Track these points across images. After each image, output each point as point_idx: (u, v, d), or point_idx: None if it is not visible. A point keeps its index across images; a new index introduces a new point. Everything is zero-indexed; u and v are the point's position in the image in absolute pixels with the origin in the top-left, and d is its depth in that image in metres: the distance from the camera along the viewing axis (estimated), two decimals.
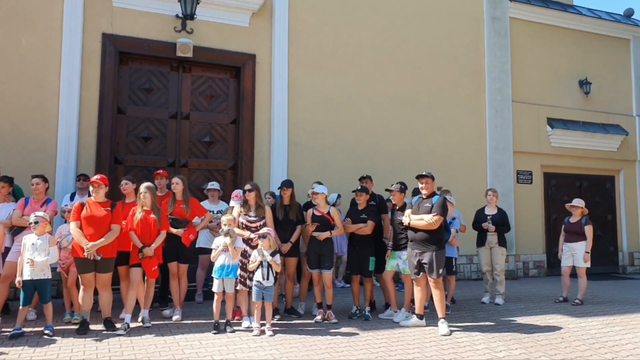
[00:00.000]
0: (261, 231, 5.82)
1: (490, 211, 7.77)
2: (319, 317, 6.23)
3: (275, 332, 5.60)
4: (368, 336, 5.61)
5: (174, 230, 6.11)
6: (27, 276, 5.30)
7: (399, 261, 6.34)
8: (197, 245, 7.00)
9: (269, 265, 5.67)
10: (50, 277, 5.45)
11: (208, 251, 7.14)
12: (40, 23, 7.51)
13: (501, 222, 7.65)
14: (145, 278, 5.93)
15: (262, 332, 5.58)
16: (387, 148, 9.56)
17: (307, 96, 9.05)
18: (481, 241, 7.75)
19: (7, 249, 5.88)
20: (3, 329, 5.44)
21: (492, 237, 7.63)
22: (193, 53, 8.16)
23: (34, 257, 5.28)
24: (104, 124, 7.75)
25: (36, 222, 5.34)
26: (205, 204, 7.16)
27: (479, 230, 7.73)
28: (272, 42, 8.87)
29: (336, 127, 9.21)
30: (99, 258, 5.45)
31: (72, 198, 6.66)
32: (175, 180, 6.45)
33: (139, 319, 5.88)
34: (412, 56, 10.01)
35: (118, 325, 5.63)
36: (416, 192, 6.50)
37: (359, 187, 6.58)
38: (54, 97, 7.47)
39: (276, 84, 8.81)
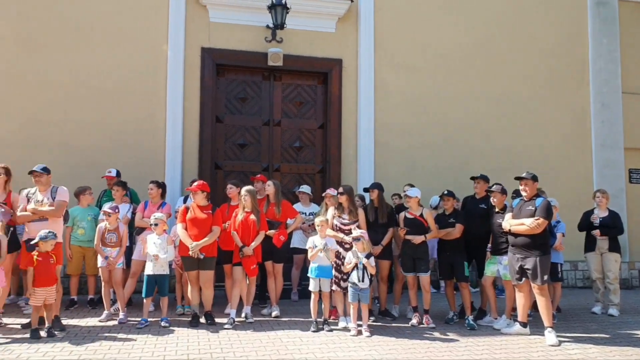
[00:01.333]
0: (355, 234, 5.96)
1: (600, 213, 7.28)
2: (414, 321, 6.25)
3: (372, 333, 5.71)
4: (468, 342, 5.55)
5: (268, 232, 6.42)
6: (149, 271, 5.86)
7: (499, 266, 6.20)
8: (291, 246, 7.28)
9: (364, 267, 5.78)
10: (168, 273, 5.99)
11: (302, 251, 7.44)
12: (149, 41, 8.18)
13: (612, 224, 7.16)
14: (247, 276, 6.29)
15: (360, 333, 5.71)
16: (479, 148, 9.31)
17: (394, 97, 9.08)
18: (590, 246, 7.28)
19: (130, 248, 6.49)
20: (129, 319, 6.04)
21: (602, 242, 7.15)
22: (283, 61, 8.49)
23: (158, 255, 5.82)
24: (205, 133, 8.30)
25: (156, 224, 5.89)
26: (297, 206, 7.46)
27: (587, 233, 7.29)
28: (358, 46, 9.01)
29: (424, 127, 9.16)
30: (202, 257, 5.91)
31: (185, 201, 7.20)
32: (268, 183, 6.84)
33: (242, 315, 6.25)
34: (504, 50, 9.63)
35: (219, 320, 6.03)
36: (517, 194, 6.33)
37: (446, 192, 6.54)
38: (161, 108, 8.12)
39: (362, 87, 8.93)
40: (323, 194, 6.95)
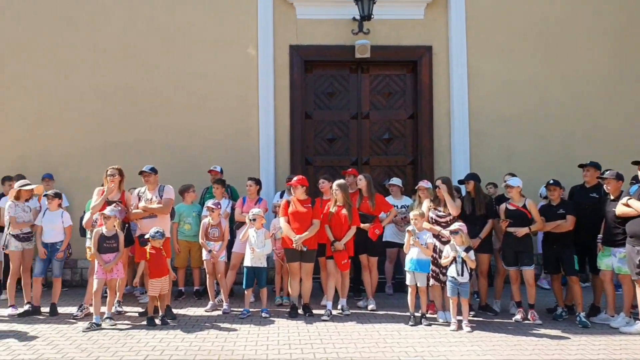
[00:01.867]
0: (453, 227, 5.77)
1: None
2: (518, 317, 5.96)
3: (473, 329, 5.53)
4: (581, 340, 5.17)
5: (362, 225, 6.41)
6: (248, 263, 6.11)
7: (613, 259, 5.70)
8: (384, 239, 7.22)
9: (463, 261, 5.60)
10: (265, 265, 6.21)
11: (395, 245, 7.40)
12: (240, 45, 8.49)
13: None
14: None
15: (460, 327, 5.55)
16: (585, 134, 8.55)
17: (489, 83, 8.63)
18: None
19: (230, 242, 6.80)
20: (232, 309, 6.34)
21: None
22: (370, 53, 8.40)
23: (256, 248, 6.07)
24: (295, 129, 8.47)
25: (254, 219, 6.12)
26: (389, 199, 7.36)
27: None
28: (448, 31, 8.67)
29: (523, 113, 8.59)
30: (305, 249, 6.04)
31: (281, 196, 7.43)
32: (359, 177, 6.82)
33: (338, 307, 6.32)
34: (613, 27, 8.72)
35: (316, 312, 6.15)
36: (636, 180, 5.76)
37: (551, 181, 6.11)
38: (254, 107, 8.41)
39: (454, 74, 8.59)
40: (416, 187, 6.81)
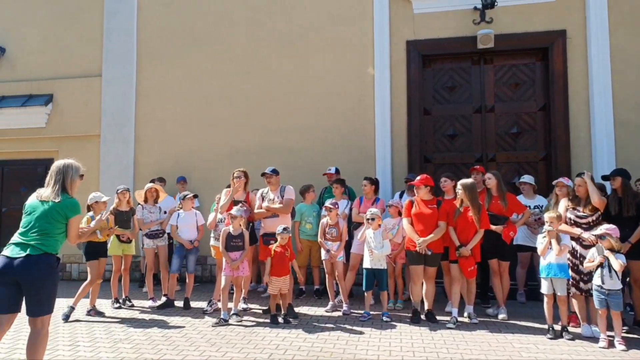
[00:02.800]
0: (599, 230, 5.07)
1: None
2: None
3: (628, 347, 4.81)
4: None
5: (493, 227, 5.93)
6: (367, 265, 5.99)
7: None
8: (515, 242, 6.63)
9: (611, 267, 4.89)
10: (385, 267, 6.02)
11: (528, 249, 6.79)
12: (355, 44, 8.46)
13: None
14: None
15: (611, 345, 4.86)
16: None
17: (636, 65, 7.58)
18: None
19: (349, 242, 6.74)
20: (352, 311, 6.26)
21: None
22: (494, 42, 7.84)
23: (374, 250, 5.93)
24: (413, 126, 8.18)
25: (372, 219, 5.98)
26: (520, 198, 6.75)
27: None
28: (586, 11, 7.79)
29: None
30: (429, 253, 5.74)
31: (401, 196, 7.22)
32: (488, 175, 6.32)
33: (465, 314, 5.93)
34: None
35: (440, 318, 5.83)
36: None
37: None
38: (369, 106, 8.31)
39: (594, 59, 7.68)
40: (554, 182, 6.15)
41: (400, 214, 6.37)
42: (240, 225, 6.01)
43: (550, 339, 5.15)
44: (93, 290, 6.31)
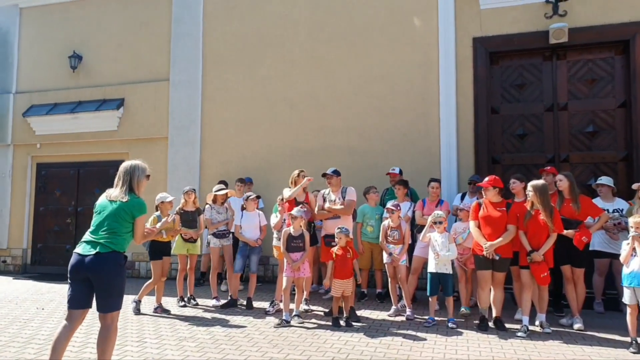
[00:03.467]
0: None
1: None
2: None
3: None
4: None
5: (564, 232, 5.58)
6: (432, 269, 5.82)
7: None
8: (591, 248, 6.22)
9: None
10: (450, 272, 5.82)
11: (605, 255, 6.35)
12: (420, 42, 8.29)
13: None
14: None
15: None
16: None
17: None
18: None
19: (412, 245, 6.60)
20: (415, 316, 6.11)
21: None
22: (568, 36, 7.41)
23: (439, 252, 5.75)
24: (480, 126, 7.89)
25: (439, 222, 5.79)
26: (596, 201, 6.32)
27: None
28: None
29: None
30: (497, 258, 5.49)
31: (462, 198, 7.00)
32: (560, 177, 5.97)
33: (536, 323, 5.62)
34: None
35: (509, 326, 5.58)
36: None
37: None
38: (434, 105, 8.10)
39: None
40: (634, 186, 5.70)
41: None
42: (300, 226, 6.02)
43: (634, 353, 4.77)
44: (158, 288, 6.52)
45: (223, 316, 6.27)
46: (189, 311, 6.61)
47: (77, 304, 3.67)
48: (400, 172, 7.50)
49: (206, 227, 7.09)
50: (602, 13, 7.47)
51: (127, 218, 3.73)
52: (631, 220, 5.06)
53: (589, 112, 7.72)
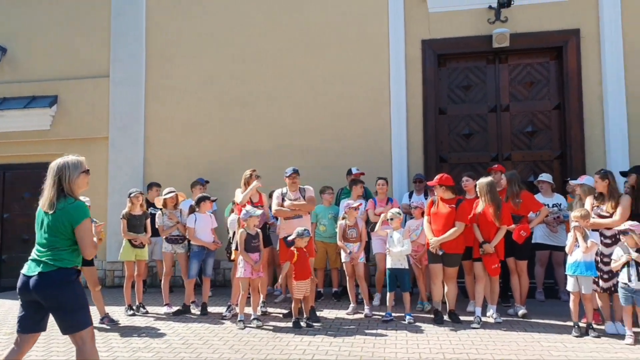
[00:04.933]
0: (622, 226, 5.06)
1: None
2: None
3: None
4: None
5: (507, 227, 5.89)
6: (389, 265, 5.94)
7: None
8: (533, 241, 6.63)
9: (637, 265, 4.89)
10: (407, 267, 5.96)
11: (546, 247, 6.78)
12: (371, 43, 8.39)
13: None
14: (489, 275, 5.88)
15: (637, 342, 4.85)
16: None
17: None
18: None
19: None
20: (374, 313, 6.20)
21: None
22: (509, 41, 7.82)
23: (393, 249, 5.87)
24: (429, 126, 8.15)
25: (392, 219, 5.92)
26: (538, 197, 6.73)
27: None
28: (599, 10, 7.82)
29: None
30: (440, 253, 5.71)
31: (410, 196, 7.20)
32: (501, 176, 6.36)
33: (487, 314, 5.88)
34: None
35: (463, 319, 5.79)
36: None
37: None
38: (385, 106, 8.25)
39: (607, 58, 7.71)
40: (568, 188, 6.15)
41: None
42: (255, 225, 5.91)
43: (576, 336, 5.14)
44: (96, 298, 6.03)
45: (177, 323, 6.02)
46: (140, 320, 6.27)
47: (27, 327, 3.30)
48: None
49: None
50: (538, 21, 7.95)
51: (64, 230, 3.23)
52: (572, 215, 5.43)
53: (529, 113, 8.21)
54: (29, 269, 3.26)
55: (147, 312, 6.60)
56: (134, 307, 6.59)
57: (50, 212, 3.22)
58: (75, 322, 3.26)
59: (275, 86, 8.64)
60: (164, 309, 6.60)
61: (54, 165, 3.34)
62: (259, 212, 5.98)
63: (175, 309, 6.54)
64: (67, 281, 3.24)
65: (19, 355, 3.31)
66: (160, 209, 6.77)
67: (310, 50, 8.57)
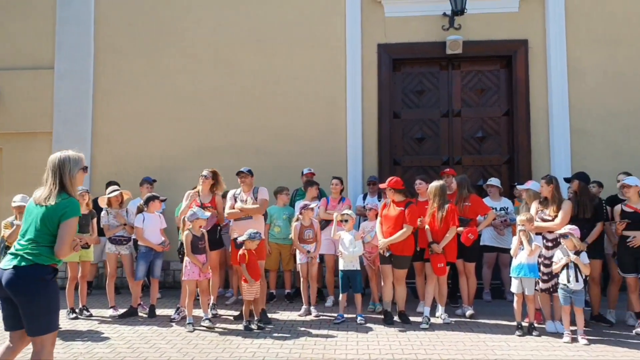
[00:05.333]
0: (563, 230, 5.31)
1: None
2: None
3: (590, 341, 5.06)
4: None
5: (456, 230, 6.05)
6: (341, 266, 5.96)
7: None
8: (482, 243, 6.84)
9: (576, 267, 5.14)
10: (359, 268, 6.00)
11: (493, 249, 7.00)
12: (327, 45, 8.37)
13: None
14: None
15: (574, 340, 5.11)
16: None
17: (592, 77, 8.00)
18: None
19: None
20: (325, 314, 6.22)
21: None
22: (462, 48, 8.02)
23: (345, 250, 5.89)
24: (383, 130, 8.22)
25: (346, 220, 5.95)
26: (486, 201, 6.95)
27: None
28: (545, 23, 8.12)
29: (632, 107, 7.89)
30: (387, 254, 5.81)
31: (364, 198, 7.27)
32: (451, 179, 6.53)
33: (436, 314, 6.01)
34: None
35: (412, 319, 5.89)
36: None
37: None
38: (341, 109, 8.26)
39: (552, 68, 8.02)
40: (515, 192, 6.38)
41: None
42: (200, 227, 5.78)
43: (519, 336, 5.34)
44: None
45: (123, 327, 5.81)
46: (83, 324, 6.00)
47: (10, 325, 3.18)
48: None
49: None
50: (490, 29, 8.18)
51: (50, 225, 3.15)
52: (518, 218, 5.64)
53: (479, 119, 8.44)
54: (5, 261, 3.16)
55: (90, 315, 6.34)
56: (77, 310, 6.31)
57: (45, 204, 3.15)
58: (40, 325, 3.11)
59: (228, 84, 8.46)
60: (109, 312, 6.35)
61: (54, 158, 3.28)
62: (207, 214, 5.85)
63: (121, 311, 6.31)
64: (42, 279, 3.11)
65: (13, 353, 3.21)
66: (105, 209, 6.52)
67: (265, 49, 8.44)
